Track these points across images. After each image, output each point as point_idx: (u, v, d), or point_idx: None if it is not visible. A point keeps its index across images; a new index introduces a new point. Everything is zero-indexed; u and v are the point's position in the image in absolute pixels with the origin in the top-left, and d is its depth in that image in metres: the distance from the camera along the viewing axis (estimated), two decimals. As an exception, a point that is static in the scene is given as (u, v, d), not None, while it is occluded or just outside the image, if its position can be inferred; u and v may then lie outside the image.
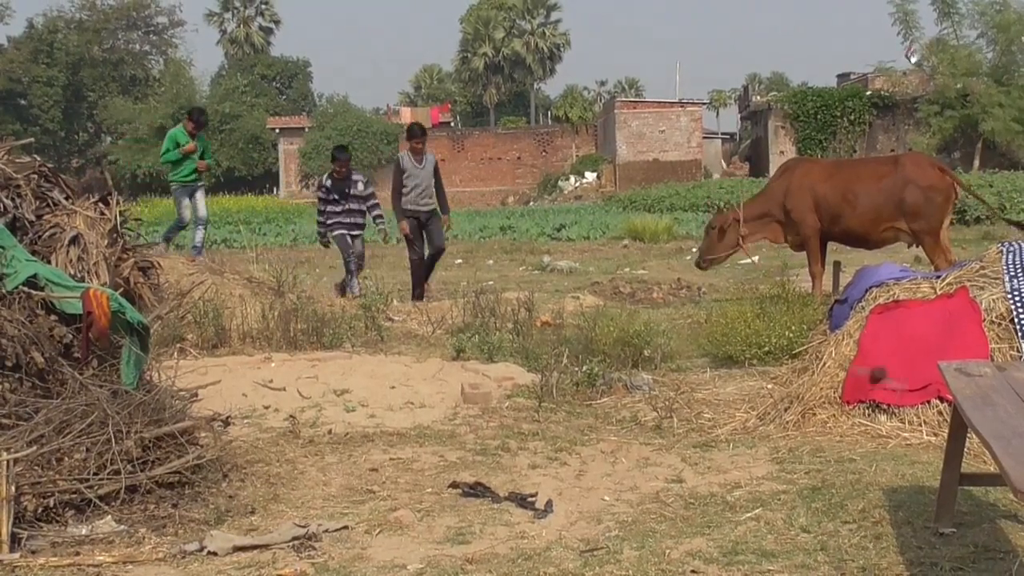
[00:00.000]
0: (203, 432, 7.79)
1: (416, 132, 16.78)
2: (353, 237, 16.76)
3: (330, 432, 8.96)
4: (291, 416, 9.34)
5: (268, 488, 7.42)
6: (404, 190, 16.42)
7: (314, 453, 8.38)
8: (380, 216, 17.06)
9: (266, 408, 9.60)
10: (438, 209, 16.82)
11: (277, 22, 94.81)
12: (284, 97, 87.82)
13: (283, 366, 10.88)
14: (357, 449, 8.50)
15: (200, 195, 17.68)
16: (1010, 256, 9.14)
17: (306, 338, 12.26)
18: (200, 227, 17.63)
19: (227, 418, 8.84)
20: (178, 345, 11.33)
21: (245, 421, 9.21)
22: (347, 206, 16.73)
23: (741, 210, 14.92)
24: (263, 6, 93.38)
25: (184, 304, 12.04)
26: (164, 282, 12.36)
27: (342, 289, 16.56)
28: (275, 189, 70.24)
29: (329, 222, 16.79)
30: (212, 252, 20.22)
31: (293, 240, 34.96)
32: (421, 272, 16.68)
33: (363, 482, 7.64)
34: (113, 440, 6.74)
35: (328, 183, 16.89)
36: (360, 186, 16.93)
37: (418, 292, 16.46)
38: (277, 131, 70.42)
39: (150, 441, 6.99)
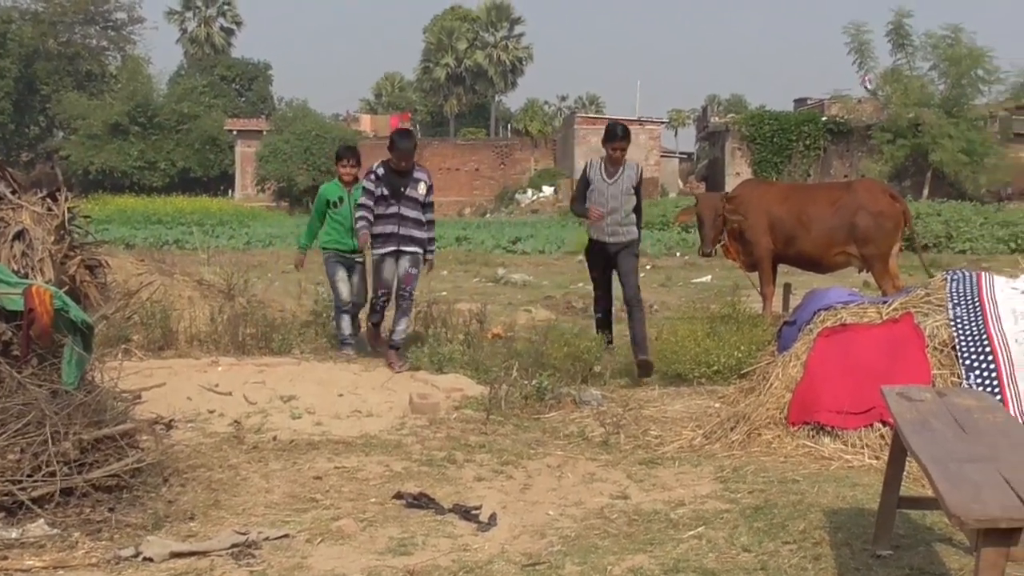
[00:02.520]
0: (144, 435, 7.73)
1: (617, 134, 12.34)
2: (399, 256, 11.79)
3: (275, 439, 8.91)
4: (236, 421, 9.30)
5: (209, 494, 7.38)
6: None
7: (258, 459, 8.34)
8: (432, 243, 12.26)
9: (211, 412, 9.55)
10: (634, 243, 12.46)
11: (239, 23, 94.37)
12: (243, 99, 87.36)
13: (230, 371, 10.83)
14: (302, 457, 8.46)
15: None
16: (954, 284, 9.25)
17: (255, 343, 12.20)
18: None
19: (170, 421, 8.78)
20: (123, 346, 11.22)
21: (189, 425, 9.15)
22: (399, 209, 11.76)
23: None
24: (225, 6, 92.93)
25: (131, 304, 11.98)
26: (112, 281, 12.26)
27: (374, 330, 12.36)
28: (230, 191, 69.88)
29: (372, 231, 11.88)
30: (163, 253, 20.03)
31: (246, 243, 34.81)
32: (608, 312, 12.88)
33: (306, 490, 7.61)
34: (50, 441, 6.65)
35: (380, 171, 11.88)
36: (422, 188, 11.91)
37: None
38: (235, 133, 70.07)
39: (89, 443, 6.91)
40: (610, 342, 12.37)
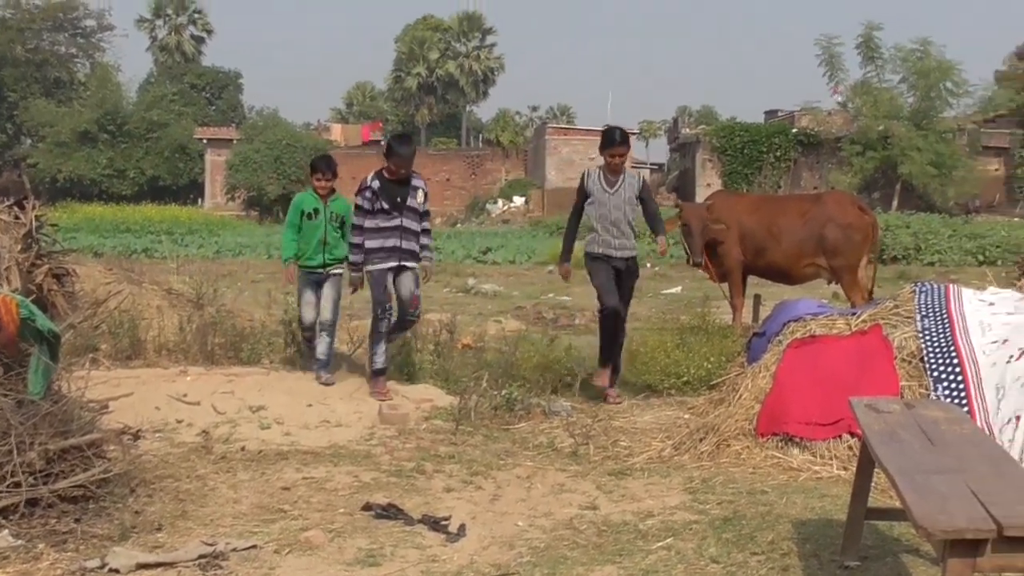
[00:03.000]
0: (112, 445, 7.68)
1: (615, 139, 11.39)
2: (400, 271, 10.99)
3: (243, 449, 8.89)
4: (204, 431, 9.27)
5: (176, 504, 7.34)
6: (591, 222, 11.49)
7: (226, 470, 8.31)
8: (429, 249, 11.44)
9: (179, 422, 9.52)
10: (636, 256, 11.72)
11: (209, 31, 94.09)
12: (213, 108, 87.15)
13: (199, 380, 10.78)
14: (270, 467, 8.43)
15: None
16: (922, 296, 9.30)
17: (224, 352, 12.14)
18: None
19: (137, 432, 8.73)
20: (91, 355, 11.14)
21: (156, 435, 9.11)
22: (402, 222, 10.93)
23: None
24: (196, 15, 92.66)
25: (99, 313, 11.92)
26: (79, 290, 12.20)
27: (377, 376, 11.00)
28: (200, 200, 69.68)
29: (369, 244, 10.95)
30: (131, 262, 19.95)
31: (216, 252, 34.71)
32: (616, 329, 11.42)
33: (275, 501, 7.58)
34: (15, 451, 6.60)
35: (375, 184, 10.96)
36: (421, 196, 11.11)
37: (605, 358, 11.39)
38: (205, 141, 69.86)
39: (55, 453, 6.87)
40: (616, 369, 11.38)
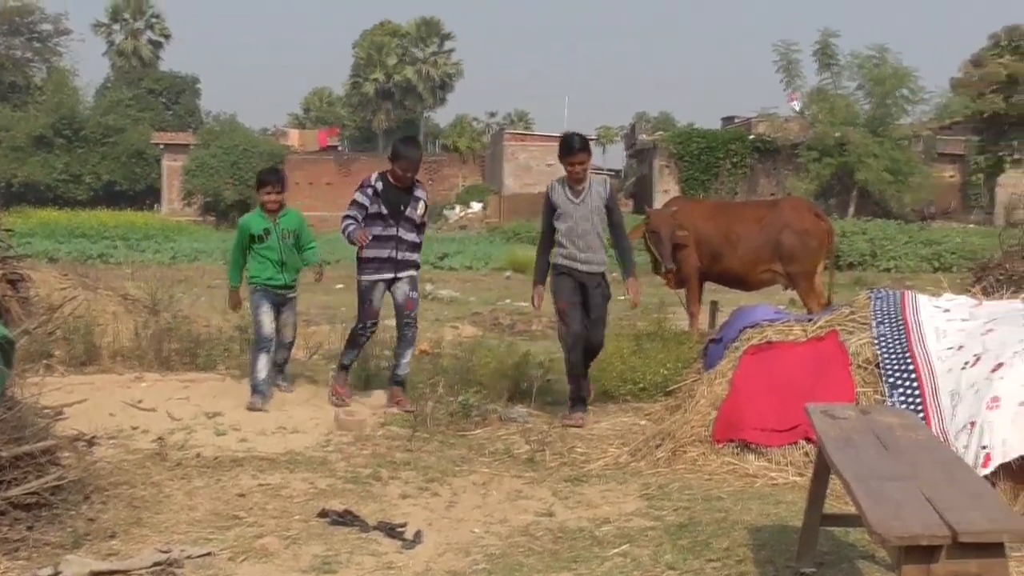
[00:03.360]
0: (66, 452, 7.62)
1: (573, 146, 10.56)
2: (394, 283, 10.65)
3: (199, 455, 8.84)
4: (159, 438, 9.21)
5: (131, 511, 7.29)
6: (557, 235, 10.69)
7: (181, 476, 8.26)
8: (416, 265, 10.92)
9: (134, 429, 9.46)
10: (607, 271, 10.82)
11: (167, 36, 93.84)
12: (171, 113, 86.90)
13: (154, 386, 10.73)
14: (226, 473, 8.39)
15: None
16: (878, 302, 9.35)
17: (179, 359, 12.08)
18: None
19: (92, 438, 8.65)
20: (45, 361, 11.05)
21: (111, 442, 9.04)
22: (397, 231, 10.54)
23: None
24: (153, 19, 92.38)
25: (54, 319, 11.84)
26: (34, 296, 12.14)
27: (342, 370, 11.01)
28: (156, 205, 69.44)
29: (362, 254, 10.56)
30: (87, 267, 19.83)
31: (172, 258, 34.61)
32: (583, 362, 10.64)
33: (230, 507, 7.54)
34: (-32, 458, 6.56)
35: (379, 185, 10.61)
36: (421, 207, 10.75)
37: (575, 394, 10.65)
38: (162, 147, 69.73)
39: (8, 460, 6.80)
40: (584, 399, 10.62)
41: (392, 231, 10.54)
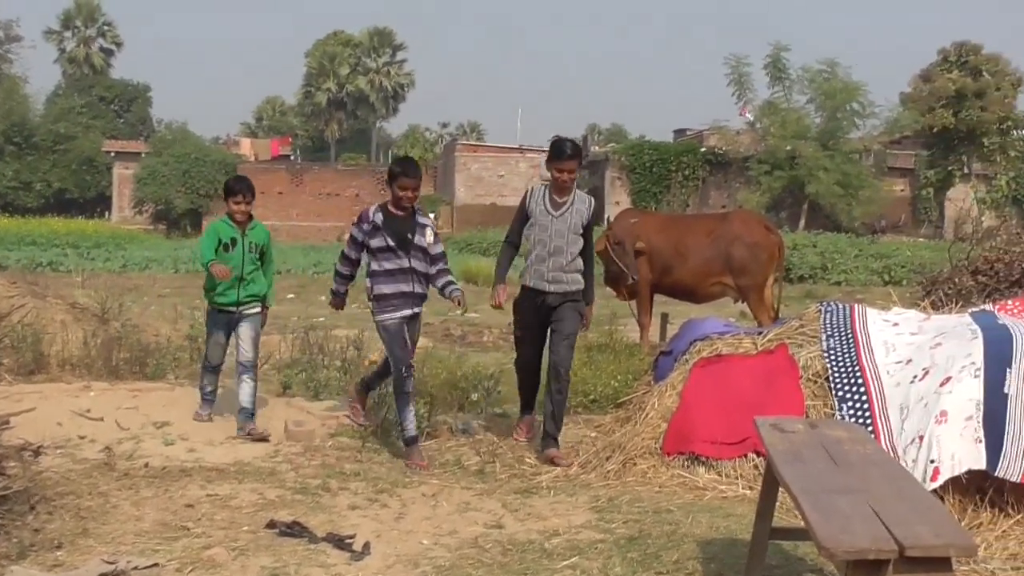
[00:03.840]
0: (11, 461, 7.53)
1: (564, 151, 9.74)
2: (412, 320, 9.68)
3: (147, 465, 8.78)
4: (107, 448, 9.14)
5: (78, 522, 7.23)
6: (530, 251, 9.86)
7: (128, 487, 8.20)
8: (454, 285, 9.71)
9: (82, 438, 9.39)
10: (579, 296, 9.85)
11: (119, 44, 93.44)
12: (122, 120, 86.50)
13: (103, 396, 10.66)
14: (174, 484, 8.33)
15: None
16: (828, 316, 9.40)
17: (129, 368, 12.02)
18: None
19: (38, 448, 8.54)
20: (-8, 370, 11.02)
21: (58, 451, 8.96)
22: (410, 262, 9.50)
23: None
24: (105, 27, 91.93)
25: (1, 327, 11.74)
26: (-19, 304, 12.04)
27: (363, 392, 10.37)
28: (107, 213, 69.00)
29: (378, 291, 9.54)
30: (36, 275, 19.69)
31: (123, 266, 34.37)
32: (533, 383, 10.18)
33: (178, 518, 7.49)
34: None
35: (379, 218, 9.55)
36: (429, 234, 9.64)
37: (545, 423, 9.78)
38: (113, 154, 69.26)
39: (-47, 470, 6.76)
40: (530, 411, 10.15)
41: (405, 263, 9.47)
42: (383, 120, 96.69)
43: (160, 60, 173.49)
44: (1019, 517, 7.33)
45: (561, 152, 9.65)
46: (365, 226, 9.52)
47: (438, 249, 9.69)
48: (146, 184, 62.28)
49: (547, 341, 9.81)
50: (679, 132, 66.65)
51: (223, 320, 10.15)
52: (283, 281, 30.35)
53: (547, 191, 9.74)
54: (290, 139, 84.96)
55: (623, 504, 7.98)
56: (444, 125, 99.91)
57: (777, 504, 6.39)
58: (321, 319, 18.19)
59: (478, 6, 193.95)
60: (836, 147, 52.70)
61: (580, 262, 9.70)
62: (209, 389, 10.30)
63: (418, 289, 9.55)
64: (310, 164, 73.76)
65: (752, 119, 55.90)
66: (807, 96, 54.54)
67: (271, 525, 7.30)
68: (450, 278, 9.71)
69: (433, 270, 9.62)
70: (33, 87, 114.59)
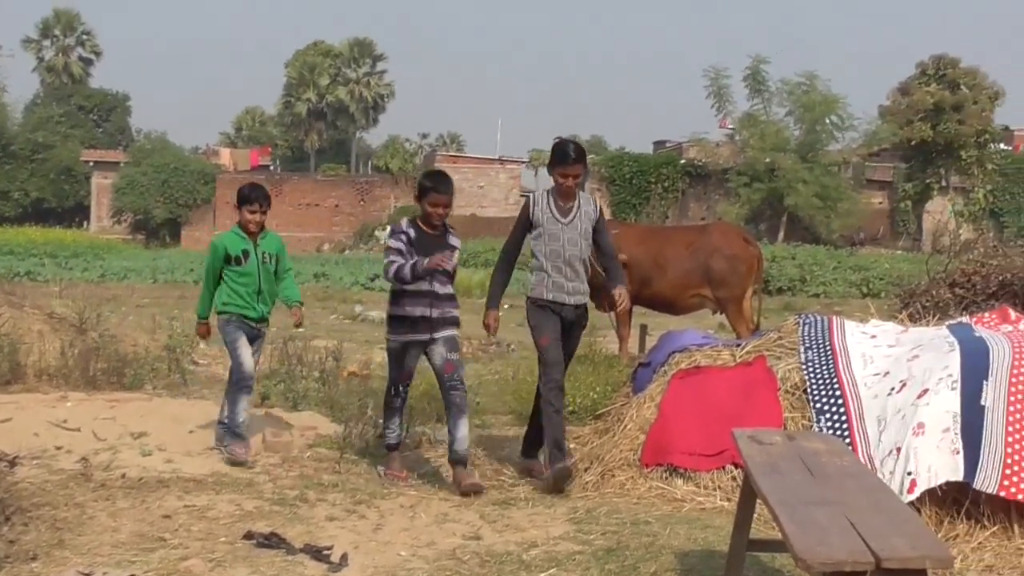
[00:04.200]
0: (-13, 472, 7.53)
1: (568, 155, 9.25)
2: (430, 344, 9.07)
3: (124, 476, 8.74)
4: (84, 458, 9.10)
5: (53, 533, 7.19)
6: (535, 260, 9.37)
7: (105, 497, 8.16)
8: (456, 322, 9.29)
9: (58, 449, 9.34)
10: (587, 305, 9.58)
11: (98, 53, 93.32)
12: (101, 130, 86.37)
13: (80, 406, 10.61)
14: (151, 495, 8.30)
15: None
16: (806, 328, 9.41)
17: (106, 378, 11.98)
18: None
19: (14, 458, 8.54)
20: (-31, 380, 10.98)
21: (35, 462, 8.92)
22: (432, 286, 8.99)
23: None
24: (84, 36, 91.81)
25: (-22, 337, 11.70)
26: (-42, 314, 12.00)
27: (391, 451, 9.38)
28: (85, 223, 68.86)
29: (390, 311, 9.24)
30: (13, 284, 19.61)
31: (101, 276, 34.25)
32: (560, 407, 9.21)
33: (155, 529, 7.45)
34: None
35: (411, 232, 9.05)
36: (456, 258, 9.12)
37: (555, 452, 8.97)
38: (91, 164, 69.17)
39: (-73, 480, 6.72)
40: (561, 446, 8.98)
41: (425, 286, 8.94)
42: (363, 131, 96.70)
43: (139, 69, 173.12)
44: (995, 529, 7.35)
45: (565, 156, 9.16)
46: (402, 236, 8.95)
47: (453, 266, 9.04)
48: (125, 194, 62.19)
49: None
50: (659, 144, 66.88)
51: (245, 327, 9.57)
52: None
53: (550, 197, 9.22)
54: (270, 149, 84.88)
55: (601, 516, 7.97)
56: (424, 136, 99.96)
57: (755, 516, 6.41)
58: (300, 330, 18.13)
59: (458, 17, 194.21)
60: (815, 159, 52.96)
61: (588, 269, 9.28)
62: (241, 419, 9.54)
63: (436, 314, 8.98)
64: (290, 174, 73.76)
65: (732, 131, 56.10)
66: (786, 108, 54.81)
67: (248, 536, 7.27)
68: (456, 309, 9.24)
69: (449, 291, 9.15)
70: (11, 96, 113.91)
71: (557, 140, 9.63)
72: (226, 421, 9.59)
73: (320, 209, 66.37)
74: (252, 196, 9.57)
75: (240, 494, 8.42)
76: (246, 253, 9.51)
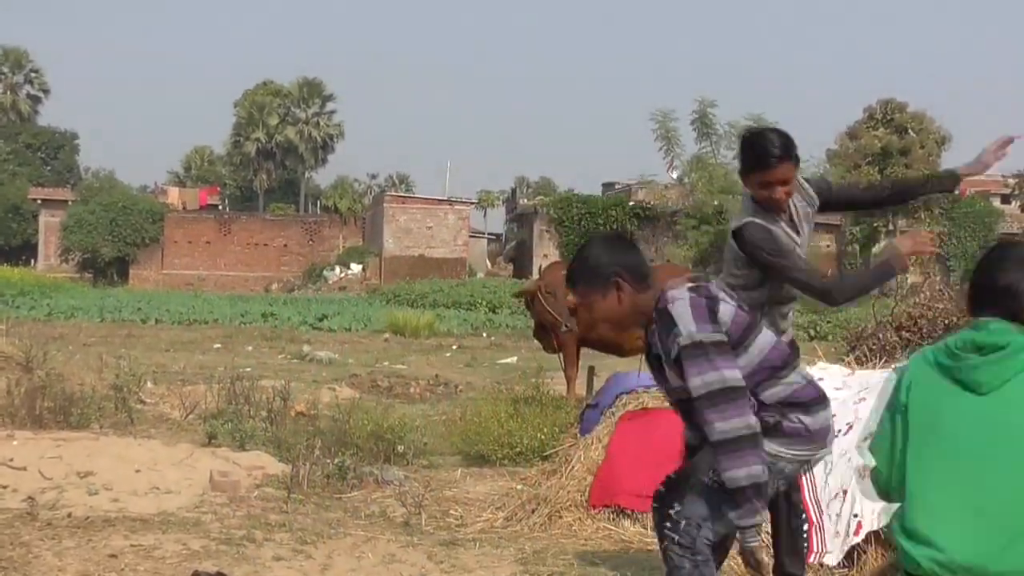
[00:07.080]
0: (-68, 511, 7.49)
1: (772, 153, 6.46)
2: None
3: (70, 515, 8.69)
4: (30, 497, 9.05)
5: (-1, 572, 7.17)
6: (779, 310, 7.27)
7: (51, 537, 8.11)
8: None
9: (4, 488, 9.28)
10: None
11: (46, 91, 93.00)
12: (49, 168, 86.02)
13: (26, 445, 10.54)
14: (97, 534, 8.25)
15: None
16: (753, 368, 9.45)
17: (52, 417, 11.92)
18: None
19: (-40, 497, 8.52)
20: (-87, 419, 10.90)
21: (-21, 501, 8.88)
22: None
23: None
24: (32, 74, 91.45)
25: (-78, 376, 11.63)
26: (-97, 352, 11.92)
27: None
28: (33, 261, 68.46)
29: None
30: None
31: (48, 314, 34.07)
32: None
33: (101, 568, 7.43)
34: None
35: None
36: None
37: None
38: (39, 202, 68.89)
39: None
40: None
41: None
42: (312, 170, 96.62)
43: (88, 107, 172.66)
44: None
45: (767, 156, 6.47)
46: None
47: None
48: (73, 232, 61.93)
49: None
50: (608, 185, 67.22)
51: None
52: (209, 331, 30.22)
53: (769, 217, 6.52)
54: (218, 188, 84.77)
55: (549, 557, 7.99)
56: (373, 176, 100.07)
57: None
58: (248, 369, 18.12)
59: (408, 57, 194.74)
60: (764, 202, 53.26)
61: None
62: None
63: None
64: (238, 214, 73.64)
65: (680, 174, 56.41)
66: (734, 152, 55.09)
67: (195, 576, 7.27)
68: None
69: None
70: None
71: (747, 134, 6.87)
72: None
73: (269, 249, 66.33)
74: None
75: (187, 533, 8.39)
76: None
